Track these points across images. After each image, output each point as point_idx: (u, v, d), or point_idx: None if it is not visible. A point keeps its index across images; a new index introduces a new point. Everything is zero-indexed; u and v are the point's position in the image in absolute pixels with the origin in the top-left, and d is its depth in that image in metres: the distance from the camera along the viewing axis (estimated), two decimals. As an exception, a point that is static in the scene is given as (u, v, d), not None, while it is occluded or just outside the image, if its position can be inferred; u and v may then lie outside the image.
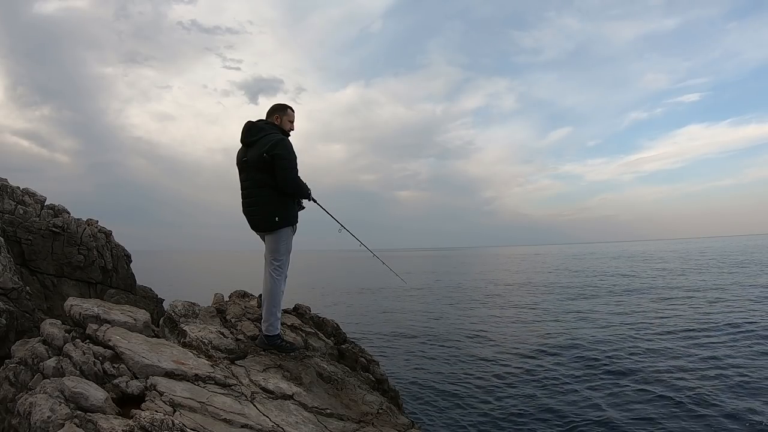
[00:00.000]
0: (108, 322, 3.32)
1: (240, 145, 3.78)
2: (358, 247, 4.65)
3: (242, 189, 3.73)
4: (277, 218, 3.59)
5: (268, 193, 3.58)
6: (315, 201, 3.90)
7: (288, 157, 3.55)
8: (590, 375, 8.86)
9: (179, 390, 2.68)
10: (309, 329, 4.39)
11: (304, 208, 3.87)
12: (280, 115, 3.79)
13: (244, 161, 3.65)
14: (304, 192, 3.73)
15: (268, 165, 3.51)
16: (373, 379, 4.37)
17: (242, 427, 2.56)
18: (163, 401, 2.53)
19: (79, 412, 2.31)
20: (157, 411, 2.38)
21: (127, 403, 2.57)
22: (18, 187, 10.46)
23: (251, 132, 3.64)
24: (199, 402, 2.63)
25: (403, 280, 4.36)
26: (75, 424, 2.18)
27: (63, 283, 10.06)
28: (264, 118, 3.81)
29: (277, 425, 2.69)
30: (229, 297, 4.71)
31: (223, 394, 2.84)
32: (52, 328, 3.31)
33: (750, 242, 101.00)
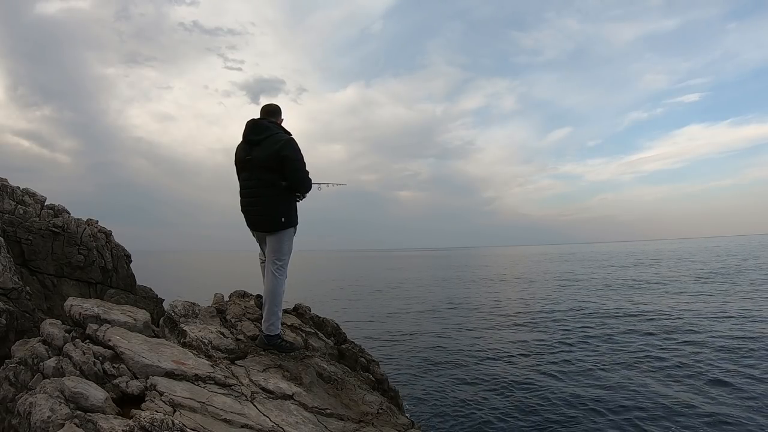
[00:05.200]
0: (108, 322, 3.31)
1: (237, 142, 3.76)
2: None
3: (244, 188, 3.68)
4: (283, 219, 3.60)
5: (275, 193, 3.57)
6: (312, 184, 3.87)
7: (299, 157, 3.59)
8: (591, 375, 8.86)
9: (179, 390, 2.68)
10: (309, 329, 4.38)
11: (302, 198, 3.87)
12: (281, 119, 3.82)
13: (248, 160, 3.59)
14: (309, 187, 3.77)
15: (277, 165, 3.51)
16: (373, 379, 4.37)
17: (242, 427, 2.56)
18: (163, 401, 2.53)
19: (79, 412, 2.31)
20: (157, 411, 2.38)
21: (127, 403, 2.57)
22: (18, 187, 10.46)
23: (257, 130, 3.60)
24: (199, 402, 2.62)
25: (344, 183, 4.39)
26: (75, 424, 2.18)
27: (63, 283, 10.06)
28: (261, 116, 3.79)
29: (277, 425, 2.69)
30: (229, 297, 4.71)
31: (223, 394, 2.84)
32: (52, 328, 3.31)
33: (750, 242, 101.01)
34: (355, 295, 26.40)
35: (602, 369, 9.22)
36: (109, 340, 3.04)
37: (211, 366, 3.15)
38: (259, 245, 4.03)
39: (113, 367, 2.82)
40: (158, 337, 3.57)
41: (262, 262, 4.08)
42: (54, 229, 10.13)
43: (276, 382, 3.22)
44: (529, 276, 37.06)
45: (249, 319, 4.16)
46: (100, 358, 2.87)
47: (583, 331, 13.00)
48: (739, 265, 34.66)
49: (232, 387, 2.97)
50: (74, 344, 3.01)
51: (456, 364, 10.17)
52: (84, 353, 2.87)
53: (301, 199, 3.83)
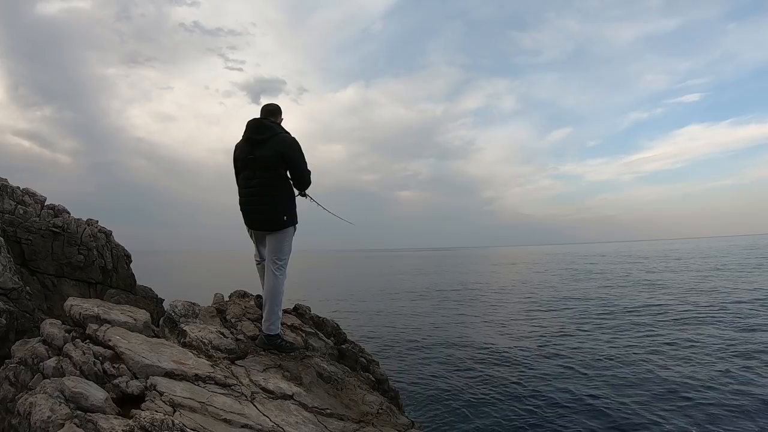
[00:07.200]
0: (108, 322, 3.31)
1: (236, 141, 3.77)
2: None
3: (245, 187, 3.68)
4: (285, 218, 3.62)
5: (277, 192, 3.60)
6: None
7: (303, 158, 3.65)
8: (590, 375, 8.86)
9: (179, 390, 2.67)
10: (309, 329, 4.38)
11: (305, 195, 3.90)
12: (281, 118, 3.84)
13: (250, 159, 3.59)
14: (309, 184, 3.82)
15: (281, 164, 3.55)
16: (373, 379, 4.37)
17: (242, 427, 2.56)
18: (163, 401, 2.53)
19: (79, 412, 2.31)
20: (157, 411, 2.38)
21: (127, 403, 2.57)
22: (18, 187, 10.47)
23: (260, 130, 3.61)
24: (199, 402, 2.62)
25: (351, 222, 4.46)
26: (75, 424, 2.17)
27: (63, 283, 10.06)
28: (261, 115, 3.80)
29: (277, 425, 2.68)
30: (229, 297, 4.71)
31: (223, 394, 2.84)
32: (52, 328, 3.30)
33: (751, 242, 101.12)
34: (355, 295, 26.40)
35: (604, 366, 9.23)
36: (109, 340, 3.03)
37: (211, 366, 3.15)
38: (256, 246, 4.03)
39: (113, 367, 2.81)
40: (158, 337, 3.57)
41: (258, 263, 4.08)
42: (54, 229, 10.14)
43: (276, 382, 3.22)
44: (529, 276, 37.08)
45: (249, 319, 4.16)
46: (100, 358, 2.86)
47: (583, 329, 13.01)
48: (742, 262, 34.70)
49: (232, 387, 2.96)
50: (74, 344, 3.01)
51: (457, 364, 10.17)
52: (84, 353, 2.87)
53: (305, 196, 3.87)
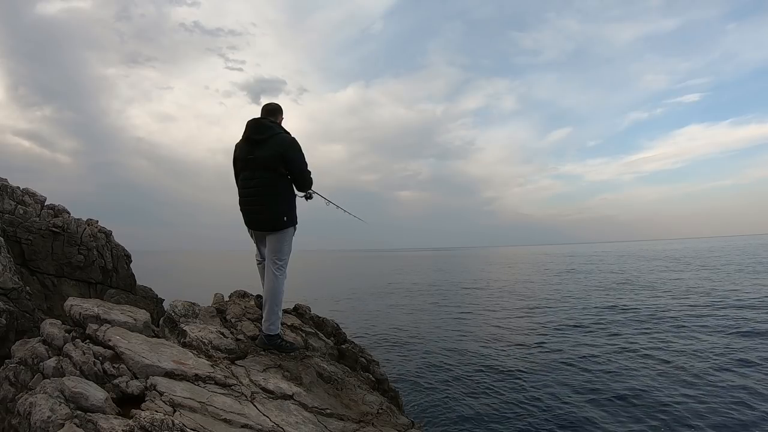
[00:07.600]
0: (108, 322, 3.31)
1: (236, 141, 3.77)
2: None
3: (245, 187, 3.68)
4: (285, 218, 3.62)
5: (277, 192, 3.59)
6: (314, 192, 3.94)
7: (302, 158, 3.65)
8: (591, 374, 8.87)
9: (179, 390, 2.68)
10: (309, 329, 4.39)
11: (309, 197, 3.90)
12: (281, 118, 3.83)
13: (250, 159, 3.59)
14: (311, 185, 3.82)
15: (280, 164, 3.54)
16: (373, 379, 4.37)
17: (242, 427, 2.56)
18: (163, 401, 2.53)
19: (79, 412, 2.31)
20: (157, 411, 2.38)
21: (127, 403, 2.57)
22: (18, 187, 10.47)
23: (260, 129, 3.61)
24: (199, 402, 2.62)
25: (364, 220, 4.45)
26: (75, 424, 2.18)
27: (63, 283, 10.06)
28: (262, 114, 3.80)
29: (277, 425, 2.69)
30: (229, 297, 4.71)
31: (223, 394, 2.84)
32: (52, 328, 3.31)
33: (750, 242, 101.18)
34: (355, 295, 26.39)
35: (602, 362, 9.24)
36: (109, 340, 3.04)
37: (211, 366, 3.15)
38: (257, 246, 4.03)
39: (113, 367, 2.82)
40: (158, 337, 3.57)
41: (259, 263, 4.08)
42: (54, 229, 10.14)
43: (276, 382, 3.22)
44: (528, 275, 37.09)
45: (249, 319, 4.16)
46: (100, 358, 2.86)
47: (582, 327, 13.02)
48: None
49: (232, 387, 2.96)
50: (74, 344, 3.01)
51: (457, 363, 10.17)
52: (84, 353, 2.87)
53: (309, 198, 3.86)
